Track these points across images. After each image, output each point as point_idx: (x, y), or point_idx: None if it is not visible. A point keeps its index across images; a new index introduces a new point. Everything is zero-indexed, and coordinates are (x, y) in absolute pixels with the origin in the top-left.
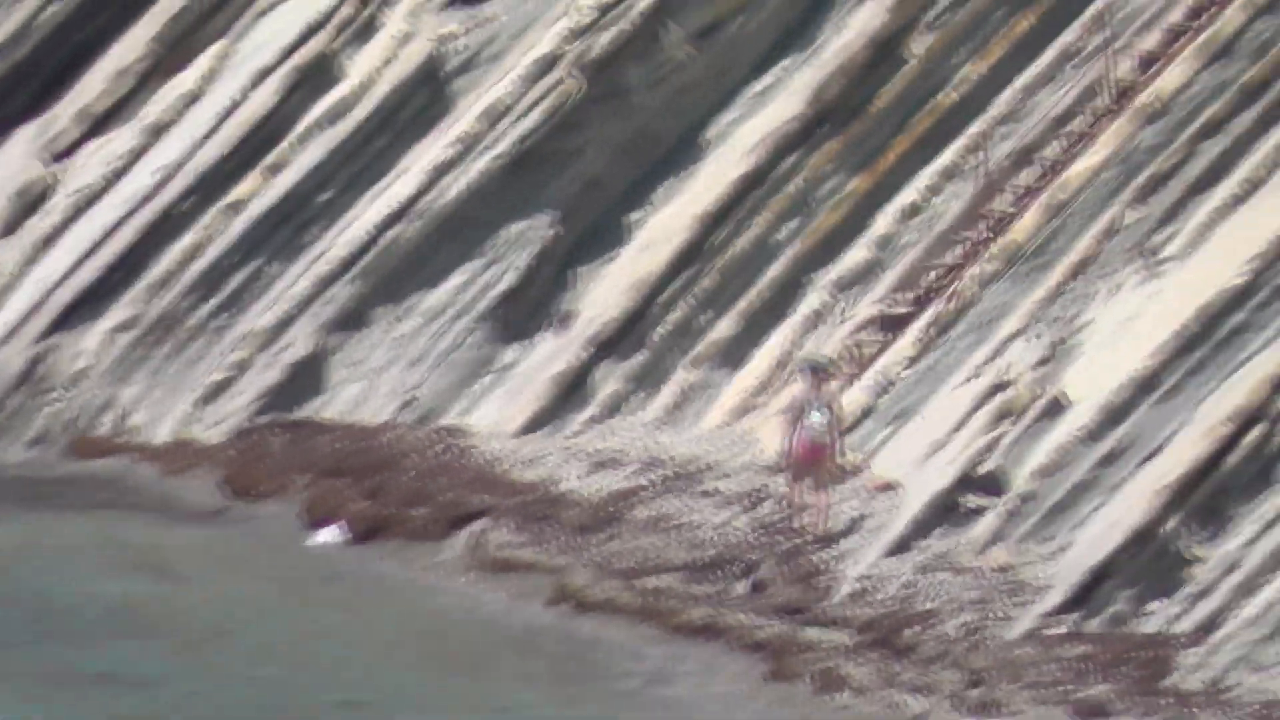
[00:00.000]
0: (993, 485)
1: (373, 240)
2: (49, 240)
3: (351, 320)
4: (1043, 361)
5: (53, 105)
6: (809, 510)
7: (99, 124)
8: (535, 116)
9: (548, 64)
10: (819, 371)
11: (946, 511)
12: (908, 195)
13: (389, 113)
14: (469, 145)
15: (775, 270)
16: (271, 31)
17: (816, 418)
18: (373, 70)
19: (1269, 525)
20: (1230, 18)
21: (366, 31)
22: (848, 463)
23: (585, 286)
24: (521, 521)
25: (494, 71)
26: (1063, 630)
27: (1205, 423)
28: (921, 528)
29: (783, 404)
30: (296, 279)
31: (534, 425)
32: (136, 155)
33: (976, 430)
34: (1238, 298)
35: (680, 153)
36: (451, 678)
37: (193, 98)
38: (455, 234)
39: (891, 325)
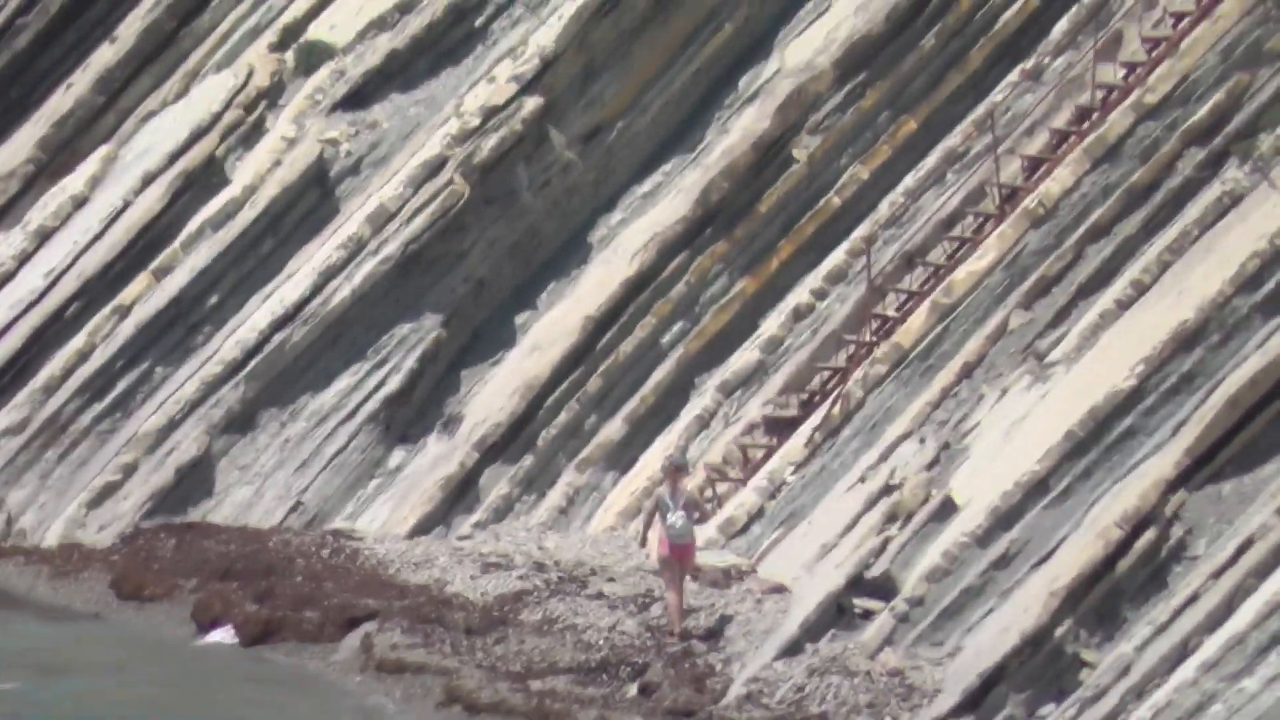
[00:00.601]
0: (883, 588)
1: (261, 343)
2: None
3: (240, 423)
4: (931, 464)
5: None
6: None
7: None
8: (422, 219)
9: (434, 167)
10: (678, 470)
11: (837, 614)
12: (795, 297)
13: (276, 216)
14: (356, 248)
15: (662, 373)
16: (158, 135)
17: (678, 519)
18: (260, 173)
19: (1161, 629)
20: (1116, 121)
21: (253, 135)
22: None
23: (472, 389)
24: (411, 624)
25: (381, 174)
26: None
27: (1096, 526)
28: (812, 630)
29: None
30: (184, 381)
31: (423, 528)
32: (24, 259)
33: (866, 533)
34: (1126, 401)
35: (567, 255)
36: None
37: (80, 201)
38: (342, 337)
39: (779, 428)
